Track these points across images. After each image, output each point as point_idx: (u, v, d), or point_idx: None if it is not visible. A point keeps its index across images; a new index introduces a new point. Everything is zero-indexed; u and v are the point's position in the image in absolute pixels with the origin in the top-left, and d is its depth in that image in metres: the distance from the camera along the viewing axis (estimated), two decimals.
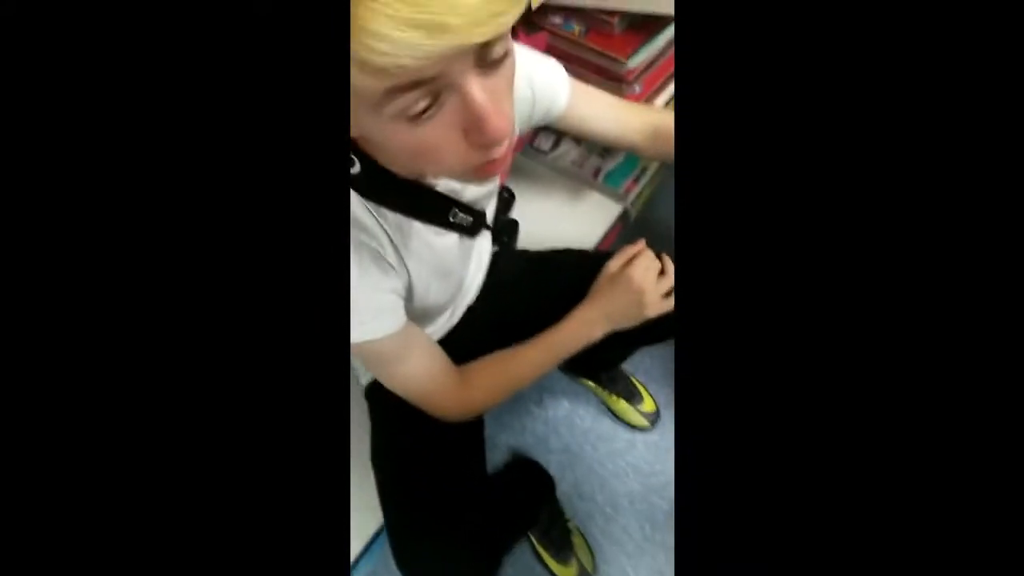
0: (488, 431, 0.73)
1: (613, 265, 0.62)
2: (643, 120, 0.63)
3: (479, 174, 0.36)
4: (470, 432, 0.65)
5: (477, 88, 0.30)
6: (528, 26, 0.82)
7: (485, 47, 0.29)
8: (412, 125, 0.30)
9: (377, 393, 0.66)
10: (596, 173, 1.00)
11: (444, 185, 0.49)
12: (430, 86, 0.28)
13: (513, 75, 0.34)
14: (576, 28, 0.82)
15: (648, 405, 1.04)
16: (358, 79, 0.27)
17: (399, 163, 0.42)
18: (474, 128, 0.31)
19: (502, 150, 0.34)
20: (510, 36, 0.32)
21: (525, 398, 1.10)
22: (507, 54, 0.31)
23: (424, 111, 0.30)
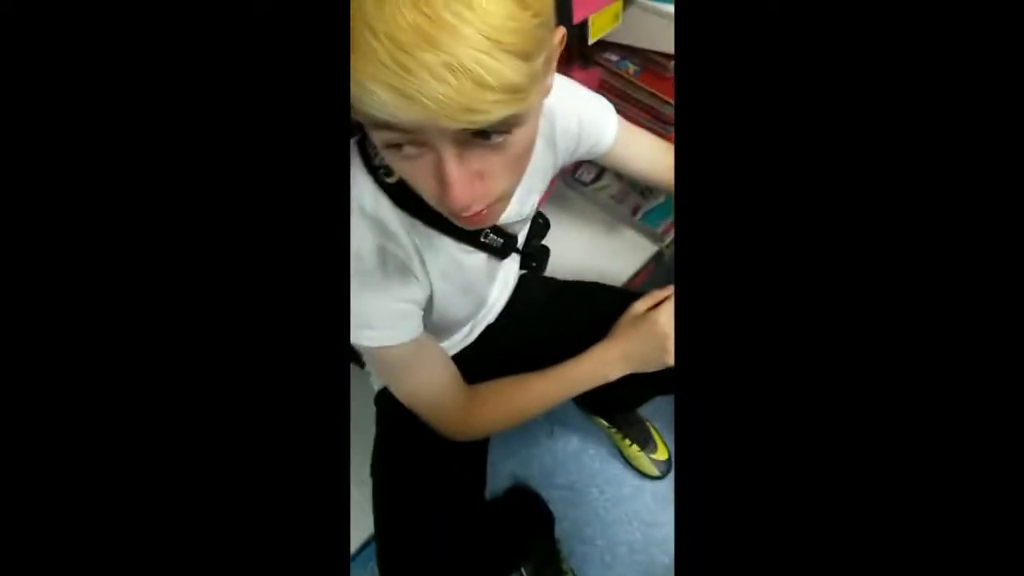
0: (493, 456, 0.71)
1: (639, 306, 0.60)
2: None
3: (458, 222, 0.36)
4: (473, 454, 0.64)
5: (451, 159, 0.30)
6: (584, 60, 0.83)
7: (465, 130, 0.28)
8: (396, 156, 0.31)
9: (386, 401, 0.65)
10: (635, 211, 1.00)
11: None
12: (406, 135, 0.29)
13: (523, 153, 0.33)
14: (631, 67, 0.82)
15: (661, 453, 1.01)
16: (358, 114, 0.27)
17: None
18: (440, 191, 0.32)
19: (470, 214, 0.34)
20: (530, 115, 0.31)
21: (535, 428, 1.07)
22: (514, 140, 0.31)
23: (402, 146, 0.30)
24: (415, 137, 0.29)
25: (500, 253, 0.55)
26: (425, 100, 0.25)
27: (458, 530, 0.58)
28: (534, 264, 0.70)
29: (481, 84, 0.25)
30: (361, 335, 0.44)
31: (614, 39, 0.79)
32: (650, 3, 0.72)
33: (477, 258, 0.53)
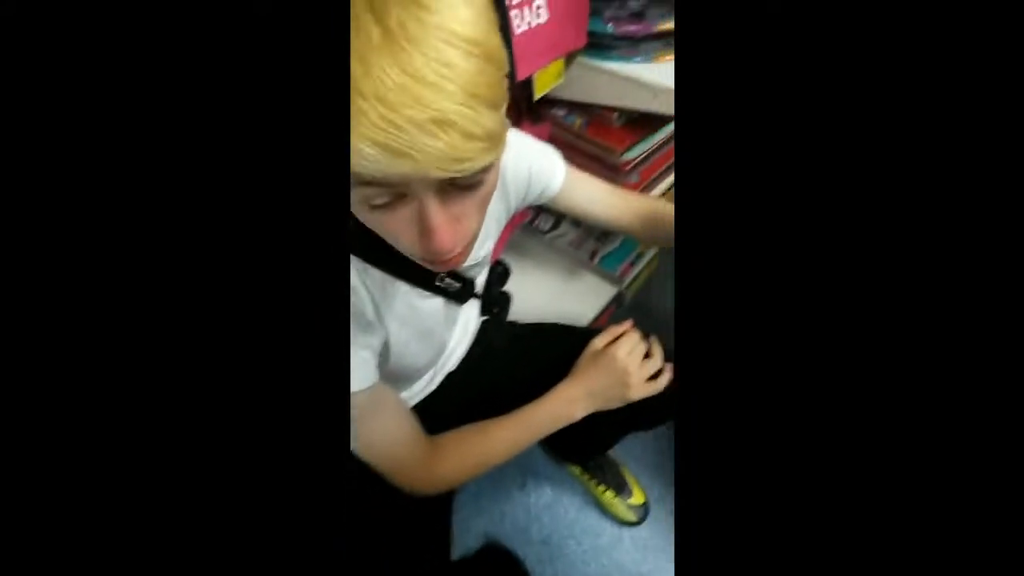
0: (463, 514, 0.68)
1: (598, 342, 0.61)
2: (635, 206, 0.65)
3: (436, 265, 0.37)
4: (436, 511, 0.61)
5: (434, 207, 0.32)
6: (533, 115, 0.88)
7: (450, 179, 0.30)
8: (374, 212, 0.32)
9: None
10: (593, 255, 1.02)
11: None
12: (392, 189, 0.30)
13: (489, 192, 0.35)
14: (577, 121, 0.87)
15: (637, 498, 0.99)
16: None
17: (394, 242, 0.43)
18: (423, 237, 0.33)
19: (451, 256, 0.35)
20: (496, 165, 0.33)
21: (507, 481, 1.04)
22: (486, 177, 0.33)
23: (384, 205, 0.31)
24: (398, 190, 0.30)
25: (458, 297, 0.55)
26: (415, 154, 0.26)
27: None
28: (495, 310, 0.71)
29: (468, 135, 0.27)
30: None
31: (559, 95, 0.84)
32: (590, 61, 0.77)
33: (434, 303, 0.53)
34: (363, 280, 0.45)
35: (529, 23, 0.63)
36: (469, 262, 0.54)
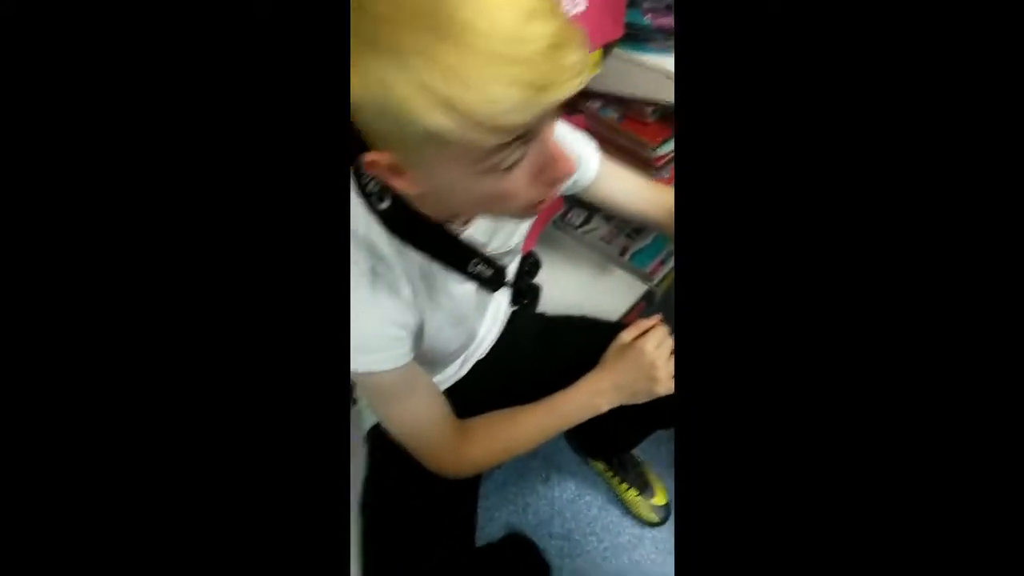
0: (487, 503, 0.69)
1: (626, 336, 0.61)
2: (668, 201, 0.64)
3: (533, 211, 0.40)
4: (462, 494, 0.62)
5: (551, 135, 0.34)
6: (568, 106, 0.88)
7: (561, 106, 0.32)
8: (499, 176, 0.34)
9: (378, 439, 0.64)
10: (624, 251, 1.01)
11: (467, 236, 0.50)
12: (524, 139, 0.32)
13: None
14: (613, 114, 0.86)
15: (660, 498, 0.98)
16: (469, 137, 0.30)
17: (464, 209, 0.44)
18: (548, 169, 0.35)
19: (560, 188, 0.38)
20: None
21: (532, 474, 1.04)
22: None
23: (513, 163, 0.33)
24: (526, 137, 0.32)
25: (490, 284, 0.55)
26: (555, 80, 0.28)
27: (447, 573, 0.55)
28: (525, 301, 0.71)
29: (577, 46, 0.29)
30: (352, 359, 0.44)
31: (596, 87, 0.83)
32: (626, 53, 0.76)
33: (467, 289, 0.54)
34: (403, 261, 0.45)
35: (567, 11, 0.63)
36: (503, 249, 0.55)
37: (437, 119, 0.29)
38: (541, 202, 0.38)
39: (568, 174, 0.36)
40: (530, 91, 0.28)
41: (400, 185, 0.37)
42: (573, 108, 0.88)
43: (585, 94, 0.87)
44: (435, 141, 0.30)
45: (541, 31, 0.28)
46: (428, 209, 0.44)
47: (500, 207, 0.38)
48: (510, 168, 0.33)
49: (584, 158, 0.59)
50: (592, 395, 0.57)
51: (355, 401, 0.70)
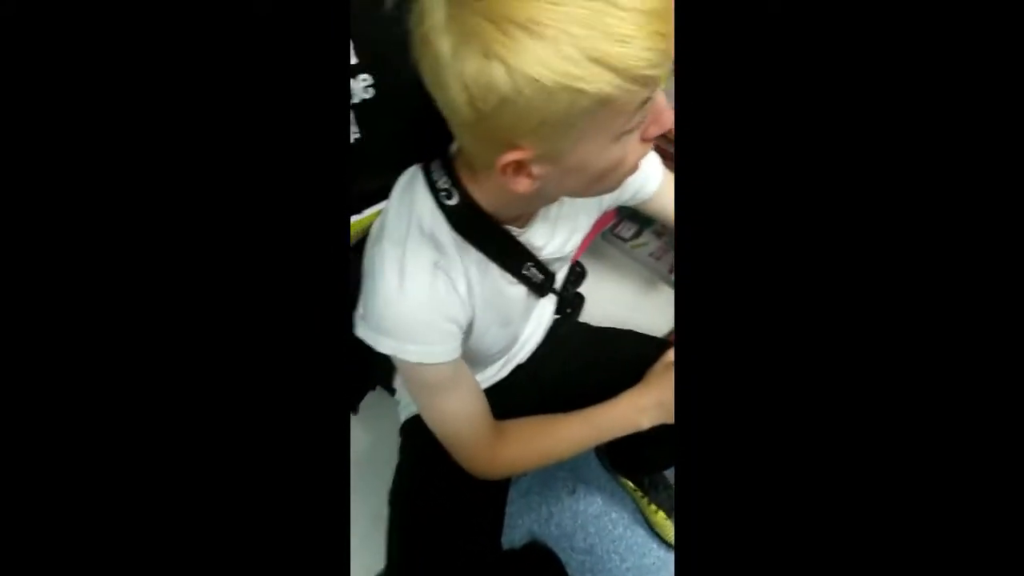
0: (511, 509, 0.69)
1: (674, 355, 0.59)
2: None
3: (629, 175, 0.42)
4: (492, 497, 0.62)
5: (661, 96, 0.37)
6: None
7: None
8: (624, 141, 0.36)
9: (413, 432, 0.65)
10: (673, 269, 1.00)
11: (526, 239, 0.51)
12: (649, 99, 0.34)
13: None
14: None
15: None
16: (631, 94, 0.32)
17: (579, 187, 0.43)
18: (654, 124, 0.37)
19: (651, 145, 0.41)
20: None
21: (558, 485, 1.04)
22: None
23: (637, 124, 0.36)
24: (648, 98, 0.34)
25: (539, 289, 0.56)
26: (668, 31, 0.30)
27: (471, 571, 0.55)
28: (569, 310, 0.70)
29: (672, 19, 0.31)
30: (404, 348, 0.45)
31: None
32: None
33: (518, 291, 0.54)
34: (461, 256, 0.46)
35: None
36: (556, 255, 0.55)
37: (603, 82, 0.30)
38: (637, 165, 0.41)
39: (669, 126, 0.37)
40: (665, 41, 0.30)
41: (520, 185, 0.38)
42: None
43: None
44: (597, 109, 0.32)
45: (653, 5, 0.30)
46: (501, 207, 0.45)
47: (612, 179, 0.40)
48: (636, 128, 0.36)
49: (647, 170, 0.59)
50: (634, 411, 0.56)
51: (393, 392, 0.71)
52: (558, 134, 0.34)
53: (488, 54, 0.30)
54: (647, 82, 0.32)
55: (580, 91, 0.30)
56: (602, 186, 0.41)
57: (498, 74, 0.30)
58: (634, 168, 0.41)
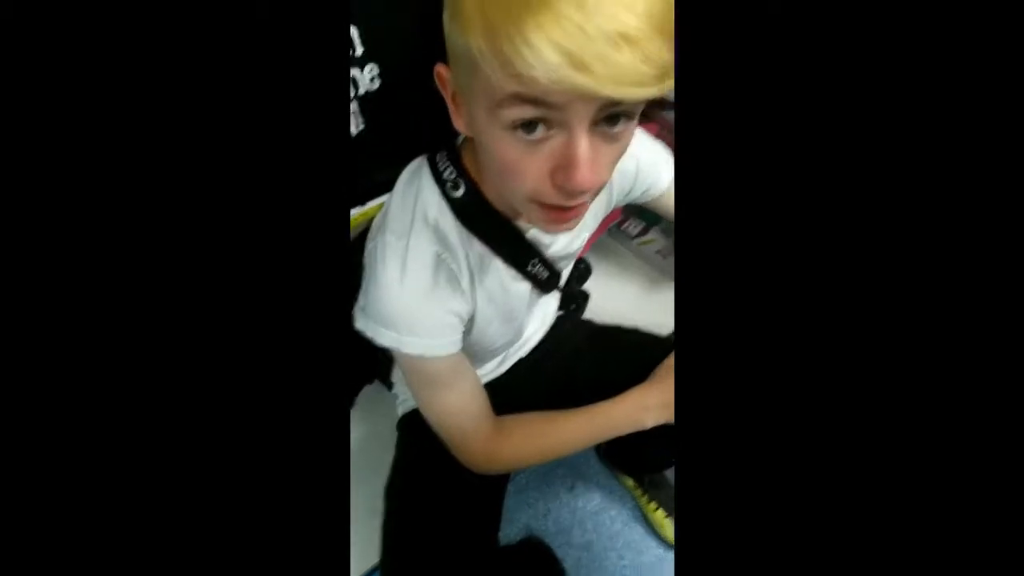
0: (508, 504, 0.69)
1: (674, 353, 0.59)
2: None
3: (549, 217, 0.37)
4: (489, 493, 0.62)
5: (584, 139, 0.32)
6: (642, 116, 0.86)
7: (611, 106, 0.31)
8: (515, 139, 0.33)
9: (410, 426, 0.65)
10: None
11: (532, 235, 0.50)
12: (547, 111, 0.31)
13: (622, 154, 0.36)
14: None
15: None
16: (494, 75, 0.29)
17: (490, 177, 0.44)
18: (563, 170, 0.33)
19: (577, 203, 0.36)
20: (635, 122, 0.34)
21: (556, 481, 1.03)
22: (626, 134, 0.34)
23: (531, 125, 0.31)
24: (551, 112, 0.31)
25: (544, 286, 0.55)
26: (596, 67, 0.26)
27: (466, 567, 0.55)
28: (573, 307, 0.70)
29: (646, 57, 0.27)
30: (404, 341, 0.44)
31: (671, 97, 0.81)
32: None
33: (522, 287, 0.53)
34: (465, 249, 0.46)
35: None
36: (562, 253, 0.54)
37: (475, 39, 0.29)
38: (554, 212, 0.36)
39: (581, 188, 0.33)
40: (564, 59, 0.26)
41: (456, 124, 0.38)
42: (647, 117, 0.87)
43: (660, 103, 0.85)
44: (469, 61, 0.30)
45: (622, 19, 0.26)
46: (488, 188, 0.45)
47: (512, 183, 0.36)
48: (532, 144, 0.32)
49: (658, 167, 0.58)
50: (638, 409, 0.56)
51: (390, 386, 0.70)
52: (457, 66, 0.34)
53: None
54: (515, 76, 0.28)
55: (459, 33, 0.30)
56: (510, 189, 0.37)
57: None
58: (541, 200, 0.35)
